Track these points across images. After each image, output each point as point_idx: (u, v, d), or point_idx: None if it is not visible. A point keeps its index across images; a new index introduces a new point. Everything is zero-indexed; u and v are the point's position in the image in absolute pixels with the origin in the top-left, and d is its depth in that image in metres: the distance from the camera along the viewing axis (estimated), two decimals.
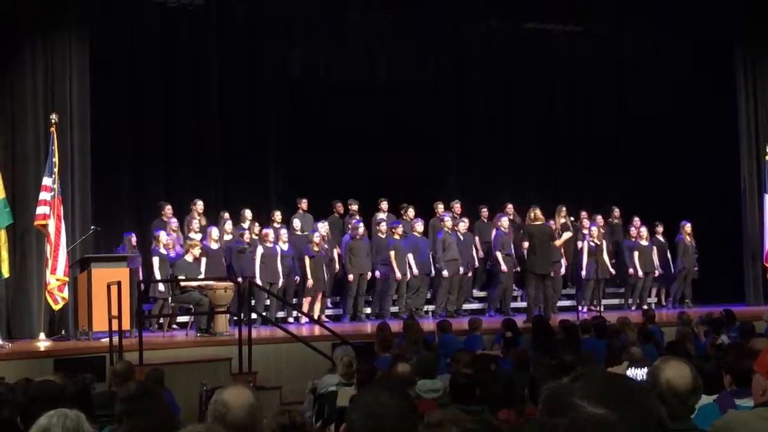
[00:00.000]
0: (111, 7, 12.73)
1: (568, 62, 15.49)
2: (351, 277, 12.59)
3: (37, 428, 3.12)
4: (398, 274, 12.64)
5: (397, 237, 12.77)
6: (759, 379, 3.49)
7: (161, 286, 11.34)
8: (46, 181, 10.57)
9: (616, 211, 14.50)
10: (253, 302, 10.94)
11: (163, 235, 11.62)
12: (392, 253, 12.65)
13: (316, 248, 12.19)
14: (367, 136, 14.09)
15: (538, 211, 11.94)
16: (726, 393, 4.17)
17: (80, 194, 11.31)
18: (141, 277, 11.36)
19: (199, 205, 12.42)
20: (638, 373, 4.96)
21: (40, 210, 10.50)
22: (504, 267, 13.08)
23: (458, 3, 14.63)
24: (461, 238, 13.03)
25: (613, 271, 13.68)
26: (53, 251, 10.45)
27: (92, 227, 11.32)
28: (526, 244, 11.92)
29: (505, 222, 13.17)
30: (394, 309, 12.88)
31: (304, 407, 6.98)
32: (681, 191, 14.75)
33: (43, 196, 10.53)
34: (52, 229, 10.47)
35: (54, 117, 10.75)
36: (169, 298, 11.27)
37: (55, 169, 10.58)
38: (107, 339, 9.16)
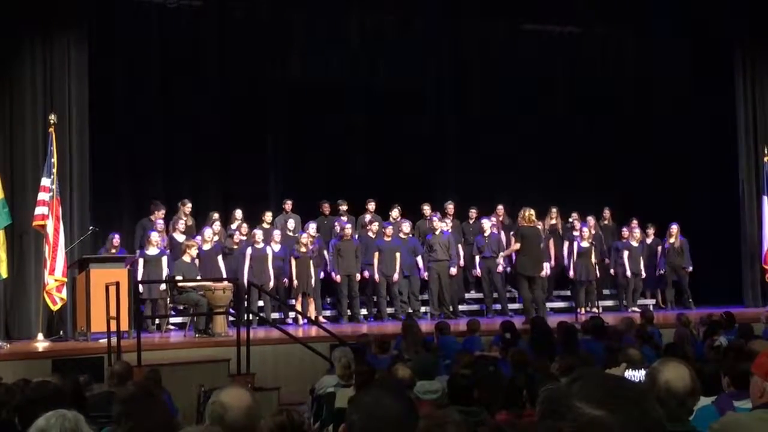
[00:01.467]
0: (110, 7, 12.73)
1: (567, 63, 15.49)
2: (338, 278, 12.58)
3: (35, 429, 3.11)
4: (377, 277, 12.64)
5: (387, 238, 12.76)
6: (757, 380, 3.49)
7: (141, 287, 11.28)
8: (45, 181, 10.55)
9: (607, 213, 14.49)
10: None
11: (154, 236, 11.61)
12: (376, 254, 12.65)
13: (303, 249, 12.16)
14: (367, 137, 14.08)
15: (532, 213, 11.88)
16: (724, 395, 4.18)
17: (79, 195, 11.30)
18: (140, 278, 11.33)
19: (188, 206, 12.40)
20: (636, 375, 4.95)
21: (39, 210, 10.49)
22: (477, 271, 13.15)
23: (458, 4, 14.62)
24: (451, 239, 13.00)
25: (597, 273, 13.55)
26: (51, 252, 10.43)
27: (90, 228, 11.31)
28: (516, 245, 11.73)
29: (485, 225, 13.13)
30: (390, 310, 12.87)
31: (303, 408, 6.97)
32: (679, 192, 14.75)
33: (42, 196, 10.51)
34: (50, 230, 10.45)
35: (53, 117, 10.73)
36: (168, 299, 11.25)
37: (54, 170, 10.57)
38: (105, 340, 9.15)
